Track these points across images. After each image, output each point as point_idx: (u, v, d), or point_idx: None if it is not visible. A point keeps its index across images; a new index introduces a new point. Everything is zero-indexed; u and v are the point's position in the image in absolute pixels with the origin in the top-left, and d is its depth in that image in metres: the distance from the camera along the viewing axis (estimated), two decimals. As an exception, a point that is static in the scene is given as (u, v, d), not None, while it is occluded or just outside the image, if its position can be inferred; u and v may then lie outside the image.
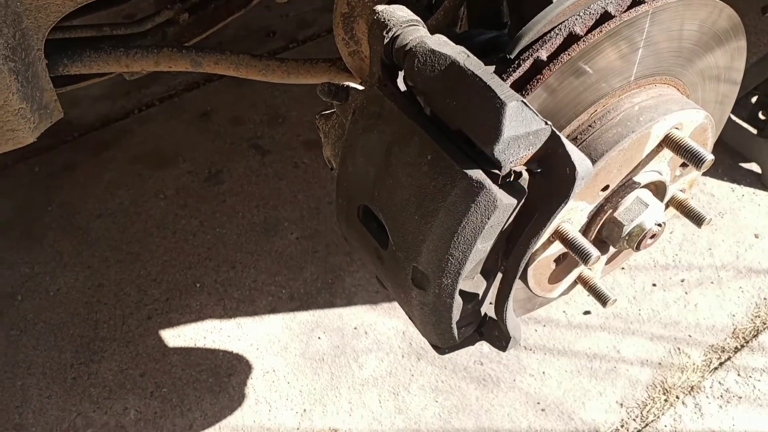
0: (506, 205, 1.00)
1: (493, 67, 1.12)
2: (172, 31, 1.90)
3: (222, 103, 3.03)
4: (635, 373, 2.08)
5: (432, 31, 1.23)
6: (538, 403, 2.03)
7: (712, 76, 1.36)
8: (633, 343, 2.14)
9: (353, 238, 1.28)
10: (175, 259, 2.45)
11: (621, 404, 2.02)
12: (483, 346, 2.10)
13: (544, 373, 2.09)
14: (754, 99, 2.66)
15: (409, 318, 1.26)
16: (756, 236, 2.40)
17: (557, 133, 0.99)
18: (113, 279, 2.40)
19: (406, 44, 1.09)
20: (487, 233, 1.03)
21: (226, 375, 2.14)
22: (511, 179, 1.01)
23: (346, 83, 1.25)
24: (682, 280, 2.28)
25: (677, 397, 2.02)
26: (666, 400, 2.01)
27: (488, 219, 1.01)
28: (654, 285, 2.27)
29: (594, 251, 1.14)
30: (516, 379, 2.08)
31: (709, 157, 1.16)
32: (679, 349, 2.13)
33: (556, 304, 2.23)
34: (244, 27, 3.43)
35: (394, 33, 1.11)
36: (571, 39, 1.08)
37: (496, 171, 1.00)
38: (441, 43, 1.08)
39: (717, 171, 2.61)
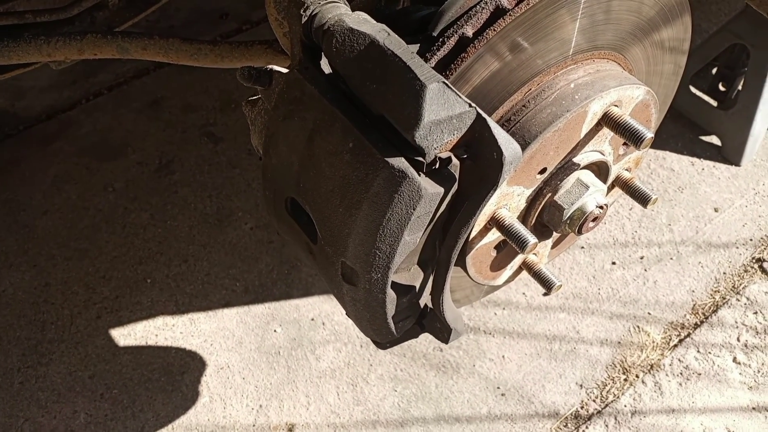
0: (432, 194, 0.94)
1: (416, 47, 1.05)
2: (102, 16, 1.80)
3: (173, 90, 2.93)
4: (595, 354, 2.05)
5: (365, 9, 1.15)
6: (498, 387, 2.00)
7: (658, 47, 1.31)
8: (592, 323, 2.12)
9: (285, 233, 1.21)
10: (125, 254, 2.36)
11: (581, 385, 1.99)
12: (442, 333, 2.06)
13: (503, 357, 2.06)
14: (714, 70, 2.62)
15: (346, 314, 1.20)
16: (715, 210, 2.38)
17: (483, 115, 0.93)
18: (60, 278, 2.31)
19: (325, 23, 1.02)
20: (414, 225, 0.97)
21: (179, 373, 2.07)
22: (437, 166, 0.95)
23: (269, 66, 1.17)
24: (642, 257, 2.25)
25: (637, 376, 1.99)
26: (626, 380, 1.99)
27: (413, 210, 0.94)
28: (613, 263, 2.24)
29: (531, 238, 1.09)
30: (476, 364, 2.04)
31: (648, 136, 1.10)
32: (638, 327, 2.10)
33: (516, 286, 2.19)
34: (196, 9, 3.31)
35: (312, 11, 1.03)
36: (498, 12, 1.01)
37: (421, 158, 0.94)
38: (360, 21, 1.01)
39: (677, 145, 2.58)
